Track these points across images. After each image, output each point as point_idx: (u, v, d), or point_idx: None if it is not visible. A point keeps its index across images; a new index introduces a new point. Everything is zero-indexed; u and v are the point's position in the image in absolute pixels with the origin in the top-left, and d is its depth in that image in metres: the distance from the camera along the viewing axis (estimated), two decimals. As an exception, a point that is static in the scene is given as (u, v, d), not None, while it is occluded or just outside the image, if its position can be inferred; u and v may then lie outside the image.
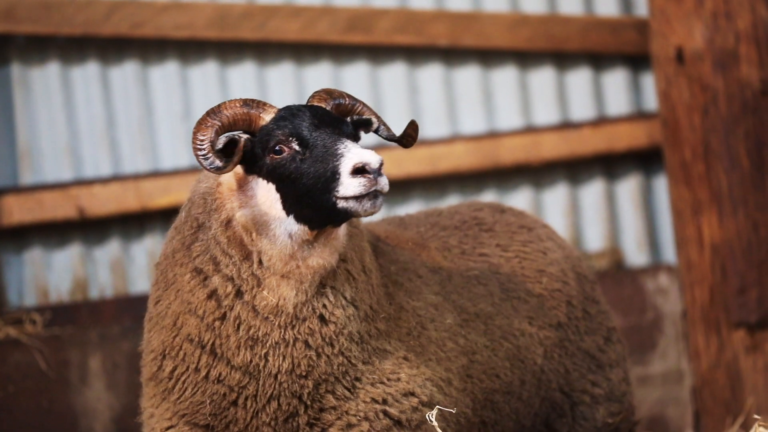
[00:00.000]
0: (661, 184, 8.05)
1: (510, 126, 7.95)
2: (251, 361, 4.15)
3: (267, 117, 4.14)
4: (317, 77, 7.76)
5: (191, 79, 7.64)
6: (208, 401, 4.20)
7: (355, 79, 7.81)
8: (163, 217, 7.40)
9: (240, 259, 4.17)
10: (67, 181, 7.44)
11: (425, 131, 7.89)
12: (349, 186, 3.94)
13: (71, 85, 7.49)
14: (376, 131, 4.28)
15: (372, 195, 3.95)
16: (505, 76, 7.98)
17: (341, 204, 3.98)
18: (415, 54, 7.89)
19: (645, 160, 8.09)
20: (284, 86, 7.70)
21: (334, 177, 3.97)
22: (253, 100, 4.14)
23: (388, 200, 7.78)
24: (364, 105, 4.30)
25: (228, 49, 7.68)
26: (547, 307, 5.00)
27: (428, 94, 7.92)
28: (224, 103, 4.12)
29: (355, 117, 4.26)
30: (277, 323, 4.14)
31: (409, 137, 4.33)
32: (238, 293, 4.16)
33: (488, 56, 7.96)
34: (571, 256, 5.27)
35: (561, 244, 5.31)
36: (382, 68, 7.88)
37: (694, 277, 7.41)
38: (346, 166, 3.95)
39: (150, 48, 7.59)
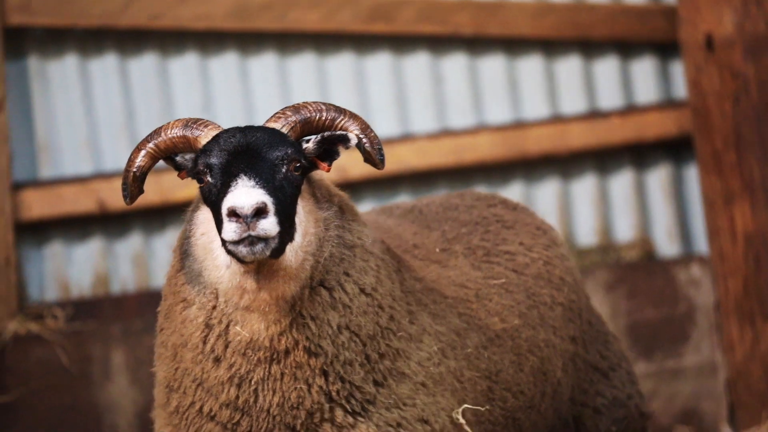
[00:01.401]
0: (692, 174, 7.98)
1: (536, 116, 7.88)
2: (238, 397, 4.01)
3: (203, 140, 3.99)
4: (339, 68, 7.68)
5: (211, 71, 7.56)
6: None
7: (377, 70, 7.72)
8: (185, 210, 7.31)
9: (205, 290, 4.05)
10: (86, 175, 7.35)
11: (450, 122, 7.81)
12: (226, 230, 3.76)
13: (90, 77, 7.40)
14: (359, 147, 4.03)
15: (248, 241, 3.75)
16: (531, 65, 7.91)
17: (228, 246, 3.82)
18: (439, 43, 7.80)
19: (675, 150, 8.01)
20: (306, 77, 7.62)
21: (219, 218, 3.82)
22: (195, 121, 4.01)
23: (414, 191, 7.71)
24: (351, 118, 4.05)
25: (248, 40, 7.59)
26: (567, 318, 4.90)
27: (453, 83, 7.83)
28: (166, 124, 4.03)
29: (326, 134, 4.01)
30: (256, 358, 3.99)
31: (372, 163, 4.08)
32: (209, 326, 4.03)
33: (513, 45, 7.88)
34: (573, 263, 5.18)
35: (568, 249, 5.21)
36: (406, 58, 7.79)
37: (726, 268, 7.34)
38: (224, 209, 3.77)
39: (169, 40, 7.51)
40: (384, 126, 7.68)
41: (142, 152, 4.02)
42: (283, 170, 3.89)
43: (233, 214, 3.71)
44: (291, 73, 7.63)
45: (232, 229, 3.73)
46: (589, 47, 7.95)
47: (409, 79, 7.78)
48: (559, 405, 4.84)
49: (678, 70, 7.96)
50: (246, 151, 3.88)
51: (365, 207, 7.50)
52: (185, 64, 7.53)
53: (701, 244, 7.95)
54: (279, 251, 3.83)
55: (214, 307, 4.01)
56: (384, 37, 7.72)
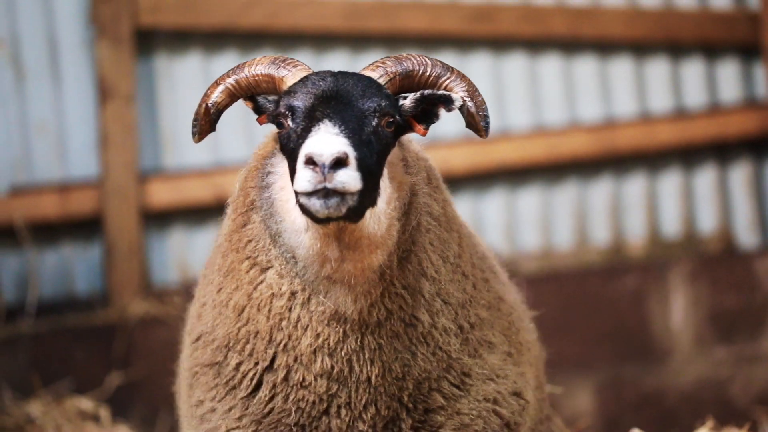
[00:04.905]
0: (773, 171, 8.36)
1: (626, 114, 8.21)
2: (332, 368, 3.59)
3: (290, 81, 3.55)
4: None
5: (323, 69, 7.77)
6: (293, 408, 3.66)
7: (478, 70, 8.02)
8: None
9: (285, 254, 3.59)
10: (206, 166, 7.64)
11: (544, 118, 8.13)
12: (299, 179, 3.30)
13: (212, 75, 7.60)
14: (461, 111, 3.56)
15: (322, 193, 3.28)
16: (622, 66, 8.25)
17: (300, 198, 3.36)
18: (536, 46, 8.13)
19: (756, 147, 8.35)
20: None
21: (294, 165, 3.37)
22: (284, 59, 3.60)
23: (511, 185, 8.00)
24: (459, 78, 3.59)
25: (358, 41, 7.87)
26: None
27: (548, 83, 8.16)
28: (252, 60, 3.64)
29: (426, 92, 3.56)
30: (342, 330, 3.57)
31: (474, 129, 3.61)
32: (293, 295, 3.61)
33: (605, 47, 8.21)
34: None
35: None
36: (504, 59, 8.10)
37: (803, 260, 7.58)
38: (300, 155, 3.31)
39: (286, 41, 7.79)
40: (483, 122, 7.91)
41: (221, 87, 3.62)
42: (373, 123, 3.47)
43: (310, 161, 3.27)
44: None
45: (306, 178, 3.28)
46: (677, 50, 8.30)
47: (507, 78, 8.10)
48: None
49: (760, 72, 8.30)
50: (335, 96, 3.44)
51: (463, 200, 7.82)
52: (300, 63, 7.76)
53: (780, 238, 8.29)
54: (357, 212, 3.38)
55: (296, 274, 3.58)
56: (484, 40, 8.02)
